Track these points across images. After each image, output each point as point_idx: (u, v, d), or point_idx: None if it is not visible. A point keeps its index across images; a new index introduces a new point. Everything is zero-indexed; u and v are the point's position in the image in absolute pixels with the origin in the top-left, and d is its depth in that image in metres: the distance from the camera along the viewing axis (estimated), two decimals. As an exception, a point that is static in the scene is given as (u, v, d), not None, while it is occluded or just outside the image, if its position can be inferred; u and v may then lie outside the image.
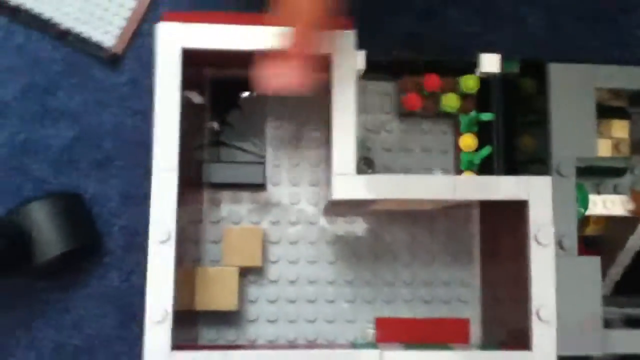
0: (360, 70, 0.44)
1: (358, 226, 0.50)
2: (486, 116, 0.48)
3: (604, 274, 0.56)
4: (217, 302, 0.46)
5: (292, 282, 0.49)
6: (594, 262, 0.41)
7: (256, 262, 0.47)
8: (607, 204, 0.48)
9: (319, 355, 0.40)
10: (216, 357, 0.38)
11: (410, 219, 0.50)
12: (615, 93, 0.49)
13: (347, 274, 0.49)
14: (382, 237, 0.50)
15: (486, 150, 0.48)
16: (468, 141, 0.49)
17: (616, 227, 0.56)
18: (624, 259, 0.55)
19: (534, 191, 0.39)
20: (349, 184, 0.41)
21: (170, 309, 0.38)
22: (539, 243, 0.38)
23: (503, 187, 0.40)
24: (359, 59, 0.44)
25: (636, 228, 0.53)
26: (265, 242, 0.49)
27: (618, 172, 0.50)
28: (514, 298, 0.42)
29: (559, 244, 0.42)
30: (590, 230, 0.55)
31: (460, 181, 0.40)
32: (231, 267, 0.47)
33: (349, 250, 0.49)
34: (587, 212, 0.48)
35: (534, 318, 0.38)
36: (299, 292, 0.49)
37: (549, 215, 0.39)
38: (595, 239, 0.57)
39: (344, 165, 0.41)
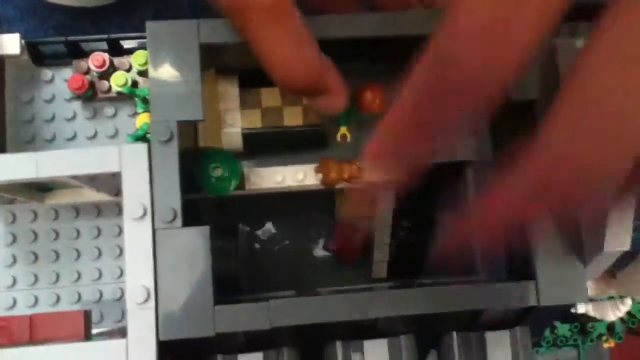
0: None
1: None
2: (142, 92, 0.45)
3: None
4: None
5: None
6: (202, 232, 0.36)
7: None
8: (298, 176, 0.45)
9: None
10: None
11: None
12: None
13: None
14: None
15: (144, 127, 0.44)
16: (142, 119, 0.45)
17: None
18: (379, 237, 0.50)
19: (128, 161, 0.36)
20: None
21: None
22: (133, 217, 0.35)
23: (94, 160, 0.36)
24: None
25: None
26: None
27: (314, 143, 0.46)
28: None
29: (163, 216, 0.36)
30: (347, 211, 0.50)
31: (41, 157, 0.36)
32: None
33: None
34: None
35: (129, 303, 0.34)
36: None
37: (143, 185, 0.35)
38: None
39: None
